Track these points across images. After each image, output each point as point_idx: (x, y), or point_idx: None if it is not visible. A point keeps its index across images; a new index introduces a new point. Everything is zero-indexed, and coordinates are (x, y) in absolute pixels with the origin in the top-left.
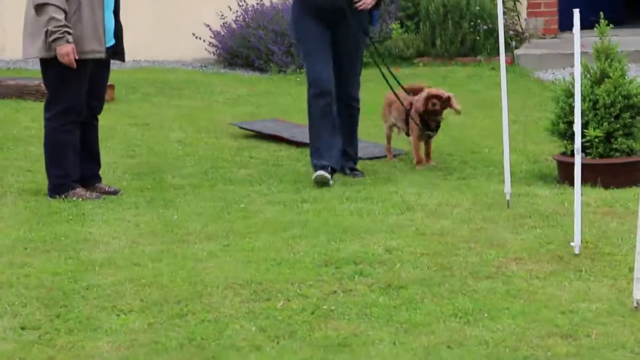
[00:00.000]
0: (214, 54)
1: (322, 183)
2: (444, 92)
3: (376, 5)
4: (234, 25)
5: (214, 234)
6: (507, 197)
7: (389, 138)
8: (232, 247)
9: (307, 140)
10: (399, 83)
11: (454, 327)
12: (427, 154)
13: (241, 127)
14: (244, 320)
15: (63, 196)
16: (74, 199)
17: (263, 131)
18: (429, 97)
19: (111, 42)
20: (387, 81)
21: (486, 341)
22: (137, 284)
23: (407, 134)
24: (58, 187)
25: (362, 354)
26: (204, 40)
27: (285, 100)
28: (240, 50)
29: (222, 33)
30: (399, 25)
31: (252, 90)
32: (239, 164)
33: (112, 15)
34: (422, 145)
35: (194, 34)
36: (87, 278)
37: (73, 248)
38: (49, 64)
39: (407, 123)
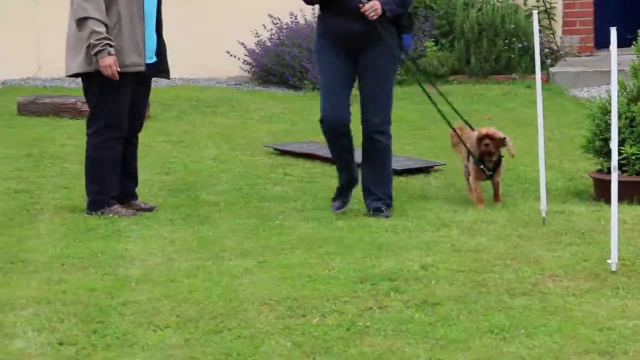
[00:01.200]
0: (248, 71)
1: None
2: (498, 133)
3: (403, 27)
4: (268, 43)
5: (249, 250)
6: (543, 215)
7: (467, 177)
8: (267, 264)
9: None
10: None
11: (490, 343)
12: (496, 196)
13: (276, 149)
14: (280, 336)
15: (100, 212)
16: (110, 215)
17: (297, 151)
18: (481, 138)
19: (152, 59)
20: (444, 117)
21: (523, 358)
22: (173, 300)
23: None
24: (96, 203)
25: None
26: (239, 58)
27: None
28: (274, 68)
29: (257, 51)
30: (433, 43)
31: (287, 107)
32: (274, 180)
33: (154, 33)
34: (482, 184)
35: (228, 52)
36: (123, 294)
37: (109, 264)
38: (91, 79)
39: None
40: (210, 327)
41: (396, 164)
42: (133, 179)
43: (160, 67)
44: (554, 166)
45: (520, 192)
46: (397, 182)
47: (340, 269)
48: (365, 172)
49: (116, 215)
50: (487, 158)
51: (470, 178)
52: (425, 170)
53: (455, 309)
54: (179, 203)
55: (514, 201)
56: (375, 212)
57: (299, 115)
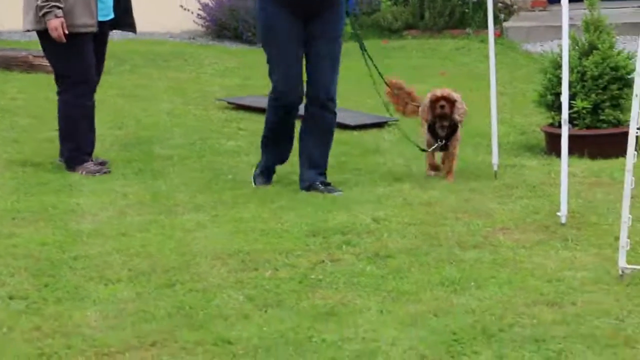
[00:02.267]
0: (202, 26)
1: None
2: (453, 94)
3: None
4: None
5: (202, 204)
6: (495, 168)
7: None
8: (220, 218)
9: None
10: (381, 76)
11: (440, 295)
12: (448, 171)
13: (230, 102)
14: (232, 289)
15: (80, 171)
16: (83, 173)
17: (251, 105)
18: (436, 100)
19: (108, 16)
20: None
21: (472, 309)
22: (125, 254)
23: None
24: (72, 160)
25: (349, 322)
26: (192, 12)
27: None
28: (228, 22)
29: (211, 5)
30: None
31: (240, 62)
32: (227, 135)
33: None
34: (438, 156)
35: (181, 6)
36: (75, 248)
37: (61, 218)
38: (45, 37)
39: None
40: (163, 281)
41: (350, 119)
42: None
43: (126, 21)
44: (506, 120)
45: (473, 146)
46: (351, 136)
47: (293, 223)
48: (311, 142)
49: (88, 174)
50: (441, 123)
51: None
52: (379, 125)
53: (407, 261)
54: (131, 157)
55: (466, 155)
56: (327, 186)
57: (253, 69)
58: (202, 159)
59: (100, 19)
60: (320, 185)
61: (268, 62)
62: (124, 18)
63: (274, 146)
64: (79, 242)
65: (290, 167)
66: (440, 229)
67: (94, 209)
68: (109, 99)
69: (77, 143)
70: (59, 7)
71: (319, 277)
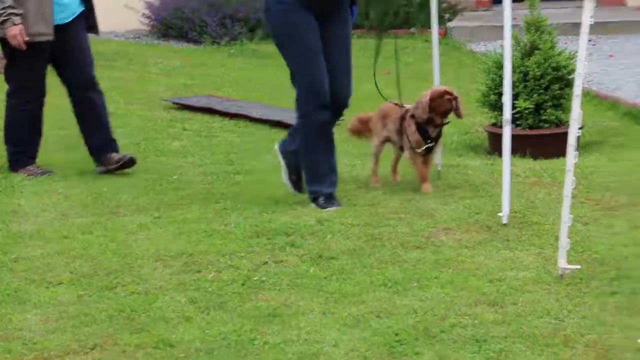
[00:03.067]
0: (147, 25)
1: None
2: (453, 90)
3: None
4: None
5: (145, 206)
6: (438, 168)
7: (377, 156)
8: (163, 219)
9: (241, 112)
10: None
11: (383, 296)
12: (425, 179)
13: (175, 103)
14: (174, 291)
15: (23, 173)
16: (25, 175)
17: (196, 105)
18: (441, 95)
19: (67, 19)
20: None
21: (415, 310)
22: (67, 256)
23: (402, 149)
24: (14, 162)
25: (292, 324)
26: (138, 11)
27: (219, 71)
28: (173, 22)
29: (156, 4)
30: None
31: (186, 61)
32: (172, 135)
33: None
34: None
35: (126, 5)
36: (15, 250)
37: (2, 220)
38: (1, 42)
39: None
40: (104, 283)
41: (294, 120)
42: (104, 134)
43: (88, 23)
44: (449, 120)
45: None
46: (279, 135)
47: (237, 224)
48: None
49: (30, 176)
50: (441, 121)
51: (409, 153)
52: None
53: (350, 262)
54: (74, 158)
55: None
56: (330, 199)
57: (198, 69)
58: (147, 159)
59: (59, 22)
60: (328, 198)
61: (293, 58)
62: (87, 19)
63: (314, 167)
64: (20, 243)
65: (230, 165)
66: (384, 230)
67: (36, 210)
68: (52, 99)
69: (20, 146)
70: (16, 14)
71: (262, 278)
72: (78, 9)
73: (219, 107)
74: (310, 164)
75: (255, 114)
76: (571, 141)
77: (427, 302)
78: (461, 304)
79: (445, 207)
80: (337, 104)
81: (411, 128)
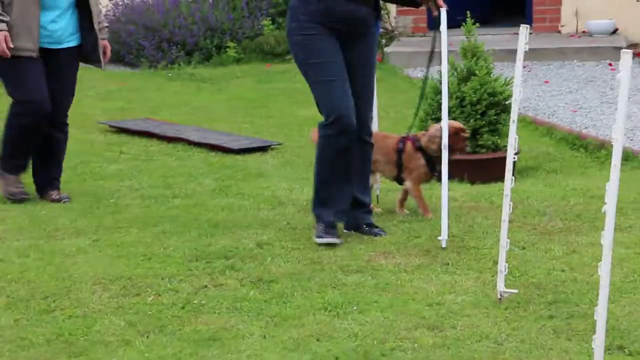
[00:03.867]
0: None
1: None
2: (463, 126)
3: (379, 13)
4: None
5: (83, 229)
6: (377, 192)
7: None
8: (101, 242)
9: (178, 135)
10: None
11: (323, 320)
12: (402, 201)
13: (111, 126)
14: (113, 315)
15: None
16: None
17: (133, 129)
18: (459, 130)
19: (58, 44)
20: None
21: (355, 334)
22: (3, 280)
23: (397, 179)
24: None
25: (231, 347)
26: None
27: (156, 95)
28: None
29: None
30: (270, 22)
31: (123, 85)
32: (109, 159)
33: (65, 19)
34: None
35: None
36: None
37: None
38: None
39: (398, 166)
40: (42, 307)
41: (233, 142)
42: (56, 171)
43: (93, 57)
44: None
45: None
46: (234, 160)
47: (176, 248)
48: (353, 183)
49: (6, 194)
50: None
51: (409, 184)
52: (262, 149)
53: (290, 286)
54: None
55: None
56: (371, 228)
57: (135, 93)
58: (84, 183)
59: (45, 46)
60: (365, 228)
61: (315, 82)
62: (92, 54)
63: (323, 191)
64: None
65: (169, 189)
66: (324, 253)
67: None
68: None
69: (4, 152)
70: (2, 21)
71: (202, 302)
72: (69, 41)
73: (156, 131)
74: (319, 186)
75: (192, 137)
76: (508, 166)
77: (367, 325)
78: (401, 327)
79: (385, 231)
80: (360, 133)
81: (420, 161)
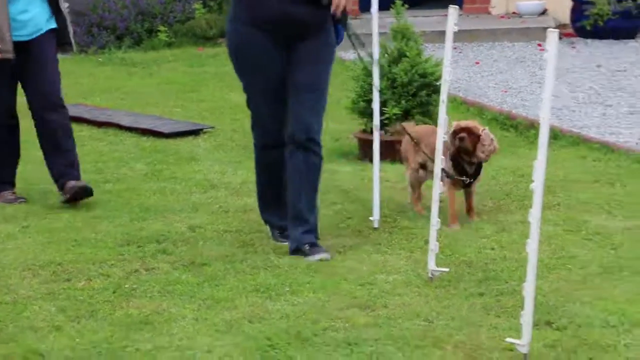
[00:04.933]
0: None
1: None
2: (477, 125)
3: (341, 20)
4: None
5: (12, 215)
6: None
7: (415, 185)
8: (31, 228)
9: (110, 120)
10: None
11: (255, 301)
12: (469, 208)
13: None
14: (43, 301)
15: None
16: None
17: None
18: (456, 132)
19: (33, 34)
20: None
21: (287, 315)
22: None
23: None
24: None
25: (164, 330)
26: None
27: (88, 80)
28: None
29: None
30: (201, 5)
31: None
32: (38, 144)
33: (32, 7)
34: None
35: None
36: None
37: None
38: None
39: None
40: None
41: (165, 127)
42: (65, 158)
43: (61, 40)
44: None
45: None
46: (166, 144)
47: (107, 232)
48: (292, 190)
49: (3, 202)
50: (465, 159)
51: (444, 187)
52: (194, 132)
53: (222, 268)
54: None
55: None
56: (313, 247)
57: (66, 78)
58: None
59: (19, 39)
60: (307, 247)
61: (245, 91)
62: (62, 37)
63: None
64: None
65: (100, 174)
66: (256, 236)
67: None
68: None
69: None
70: None
71: (134, 286)
72: (46, 25)
73: (87, 116)
74: (260, 192)
75: (124, 122)
76: (438, 146)
77: (300, 306)
78: (333, 307)
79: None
80: (300, 140)
81: (413, 164)
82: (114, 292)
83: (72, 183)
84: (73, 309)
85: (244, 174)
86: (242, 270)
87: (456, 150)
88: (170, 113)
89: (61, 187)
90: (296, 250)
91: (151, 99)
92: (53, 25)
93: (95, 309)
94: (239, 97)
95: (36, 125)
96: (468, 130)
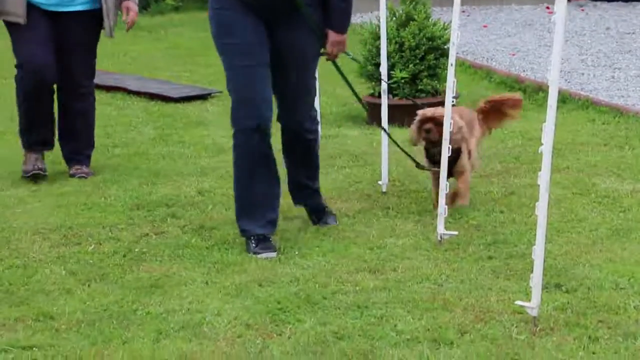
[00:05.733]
0: None
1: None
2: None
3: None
4: None
5: (22, 179)
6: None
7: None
8: (41, 192)
9: (117, 85)
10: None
11: (265, 265)
12: (455, 193)
13: None
14: (54, 264)
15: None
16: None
17: None
18: (422, 121)
19: (66, 7)
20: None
21: (297, 278)
22: None
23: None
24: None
25: (174, 294)
26: None
27: None
28: None
29: None
30: None
31: None
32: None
33: None
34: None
35: None
36: None
37: None
38: None
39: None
40: None
41: (173, 91)
42: (74, 139)
43: (93, 17)
44: (328, 91)
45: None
46: (174, 108)
47: (117, 197)
48: (297, 169)
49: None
50: (433, 149)
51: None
52: (202, 97)
53: (232, 232)
54: None
55: None
56: (324, 215)
57: None
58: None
59: (49, 8)
60: (314, 217)
61: (226, 70)
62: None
63: (244, 198)
64: None
65: (109, 138)
66: None
67: None
68: None
69: (21, 126)
70: None
71: (144, 250)
72: (82, 4)
73: (95, 80)
74: (239, 194)
75: (132, 86)
76: (447, 110)
77: (309, 270)
78: (342, 271)
79: (326, 177)
80: (293, 127)
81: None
82: (124, 256)
83: (73, 169)
84: (83, 272)
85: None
86: None
87: (424, 141)
88: (178, 77)
89: (69, 169)
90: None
91: (158, 64)
92: (90, 6)
93: (105, 272)
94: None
95: (58, 107)
96: (434, 120)
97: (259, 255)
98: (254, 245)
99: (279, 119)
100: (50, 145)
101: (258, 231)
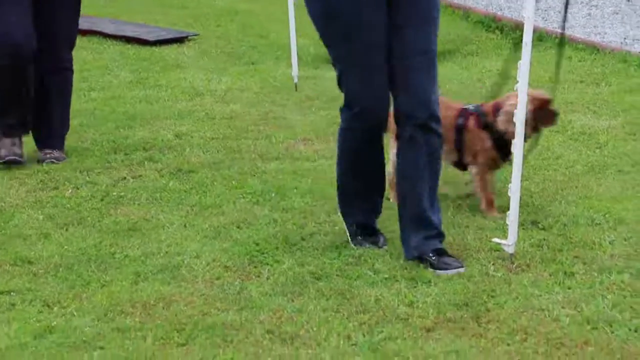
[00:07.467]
0: None
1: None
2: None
3: None
4: None
5: None
6: (295, 80)
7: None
8: None
9: (93, 28)
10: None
11: (243, 207)
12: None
13: None
14: (31, 209)
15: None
16: None
17: None
18: (547, 102)
19: None
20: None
21: (275, 220)
22: None
23: (459, 165)
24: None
25: (152, 237)
26: None
27: None
28: None
29: None
30: None
31: None
32: None
33: None
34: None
35: None
36: None
37: None
38: None
39: (458, 148)
40: None
41: (149, 34)
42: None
43: None
44: (305, 33)
45: (273, 59)
46: (151, 52)
47: (93, 141)
48: (409, 182)
49: None
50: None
51: (475, 171)
52: (179, 40)
53: (210, 175)
54: None
55: (267, 68)
56: (439, 256)
57: None
58: None
59: None
60: (432, 257)
61: (335, 64)
62: None
63: (363, 193)
64: None
65: (85, 82)
66: (242, 142)
67: None
68: None
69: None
70: None
71: (121, 194)
72: None
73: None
74: (340, 190)
75: (108, 29)
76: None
77: (287, 211)
78: (320, 212)
79: (304, 119)
80: (417, 112)
81: (486, 143)
82: (101, 200)
83: (43, 153)
84: (61, 216)
85: (229, 80)
86: (228, 176)
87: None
88: (155, 20)
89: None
90: (420, 259)
91: (134, 6)
92: None
93: (83, 216)
94: (223, 2)
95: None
96: (549, 102)
97: (364, 247)
98: (353, 232)
99: (400, 108)
100: (29, 126)
101: (359, 218)
